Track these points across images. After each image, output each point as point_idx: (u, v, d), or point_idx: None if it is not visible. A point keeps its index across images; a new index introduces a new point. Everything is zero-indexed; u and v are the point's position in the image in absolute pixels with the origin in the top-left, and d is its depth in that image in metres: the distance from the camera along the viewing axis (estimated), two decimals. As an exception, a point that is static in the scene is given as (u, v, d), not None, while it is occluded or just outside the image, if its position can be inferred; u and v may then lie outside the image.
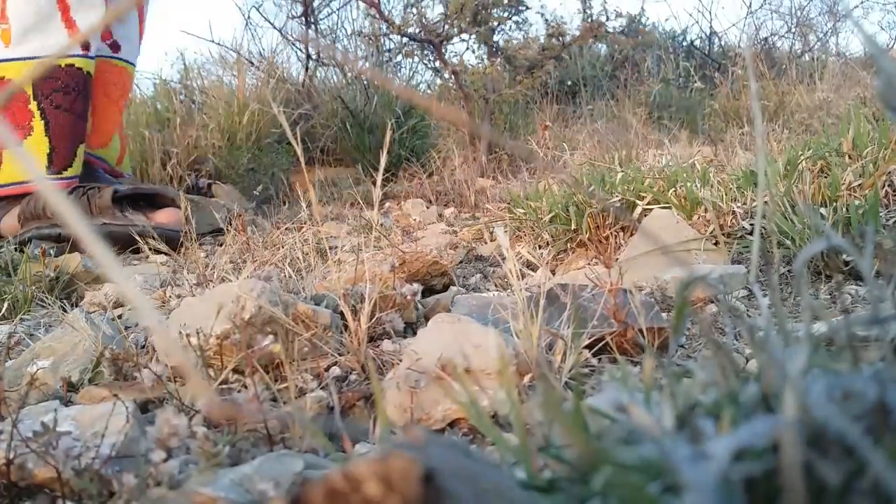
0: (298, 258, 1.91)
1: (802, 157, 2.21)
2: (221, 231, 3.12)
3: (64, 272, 2.20)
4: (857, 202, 1.84)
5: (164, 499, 0.76)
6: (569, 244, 2.31)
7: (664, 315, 1.35)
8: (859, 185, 1.96)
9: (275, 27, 5.64)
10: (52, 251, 2.29)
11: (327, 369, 1.23)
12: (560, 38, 5.08)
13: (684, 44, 7.19)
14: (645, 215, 2.19)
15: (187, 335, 1.17)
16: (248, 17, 5.96)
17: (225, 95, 4.69)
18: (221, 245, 2.74)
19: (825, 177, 2.07)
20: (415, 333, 1.36)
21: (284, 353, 1.13)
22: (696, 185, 2.23)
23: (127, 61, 3.10)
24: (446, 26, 4.53)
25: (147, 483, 0.81)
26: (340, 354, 1.27)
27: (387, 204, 3.79)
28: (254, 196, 4.07)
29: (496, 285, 2.08)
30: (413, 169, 4.42)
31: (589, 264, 2.07)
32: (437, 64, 5.09)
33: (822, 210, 1.88)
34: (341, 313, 1.31)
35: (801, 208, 1.81)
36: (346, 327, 1.29)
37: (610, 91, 6.34)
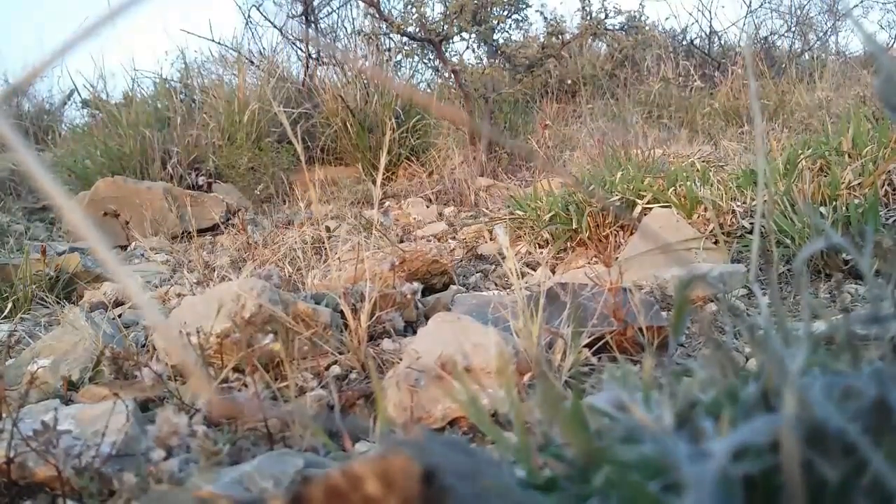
0: (298, 257, 1.91)
1: (802, 156, 2.21)
2: (219, 227, 3.12)
3: (64, 271, 2.20)
4: (856, 201, 1.84)
5: (166, 496, 0.76)
6: (568, 243, 2.31)
7: (664, 314, 1.35)
8: (859, 183, 1.96)
9: (275, 26, 5.65)
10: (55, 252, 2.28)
11: (327, 368, 1.23)
12: (560, 37, 5.08)
13: (684, 43, 7.19)
14: (645, 214, 2.20)
15: (188, 334, 1.17)
16: (249, 17, 5.94)
17: (225, 94, 4.69)
18: (220, 244, 2.74)
19: (825, 176, 2.07)
20: (415, 332, 1.36)
21: (284, 351, 1.13)
22: (695, 184, 2.23)
23: None
24: (446, 25, 4.53)
25: (147, 481, 0.81)
26: (340, 353, 1.27)
27: (386, 203, 3.79)
28: (254, 195, 4.07)
29: (496, 284, 2.08)
30: (413, 168, 4.42)
31: (589, 263, 2.07)
32: (437, 63, 5.09)
33: (822, 209, 1.88)
34: (341, 312, 1.31)
35: (801, 207, 1.81)
36: (347, 326, 1.29)
37: (610, 90, 6.33)
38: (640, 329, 1.24)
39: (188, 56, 8.01)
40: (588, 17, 4.94)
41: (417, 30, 4.62)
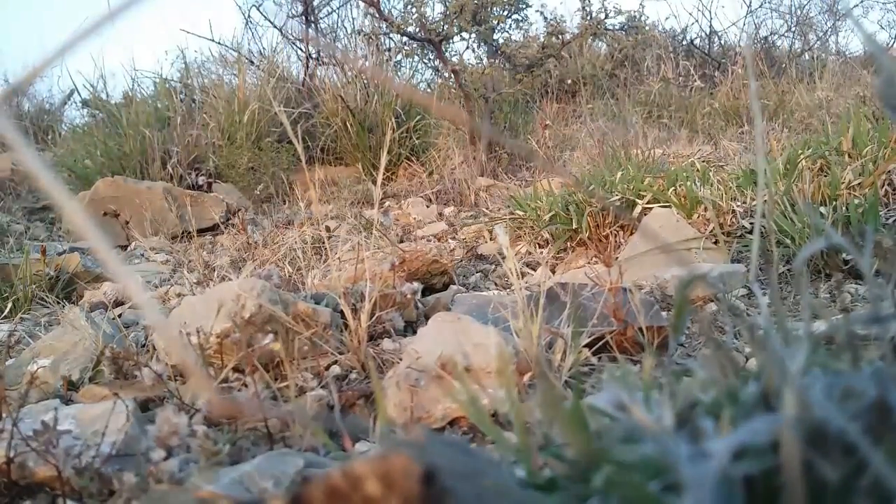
0: (298, 257, 1.91)
1: (802, 156, 2.21)
2: (219, 227, 3.12)
3: (64, 271, 2.20)
4: (856, 201, 1.84)
5: (166, 496, 0.76)
6: (568, 243, 2.31)
7: (664, 314, 1.35)
8: (859, 183, 1.96)
9: (275, 26, 5.64)
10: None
11: (327, 368, 1.23)
12: (560, 37, 5.08)
13: (684, 43, 7.19)
14: (645, 214, 2.20)
15: (188, 334, 1.17)
16: (249, 16, 5.94)
17: (225, 94, 4.69)
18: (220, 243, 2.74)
19: (825, 175, 2.07)
20: (415, 332, 1.36)
21: (284, 351, 1.13)
22: (695, 184, 2.23)
23: None
24: (446, 25, 4.53)
25: (147, 481, 0.81)
26: (340, 353, 1.27)
27: (387, 203, 3.80)
28: (254, 195, 4.07)
29: (496, 284, 2.08)
30: (413, 168, 4.42)
31: (589, 263, 2.07)
32: (437, 63, 5.09)
33: (822, 209, 1.88)
34: (341, 312, 1.31)
35: (801, 207, 1.81)
36: (347, 326, 1.29)
37: (610, 90, 6.34)
38: (640, 329, 1.24)
39: (188, 56, 8.02)
40: (588, 17, 4.94)
41: (417, 30, 4.62)
